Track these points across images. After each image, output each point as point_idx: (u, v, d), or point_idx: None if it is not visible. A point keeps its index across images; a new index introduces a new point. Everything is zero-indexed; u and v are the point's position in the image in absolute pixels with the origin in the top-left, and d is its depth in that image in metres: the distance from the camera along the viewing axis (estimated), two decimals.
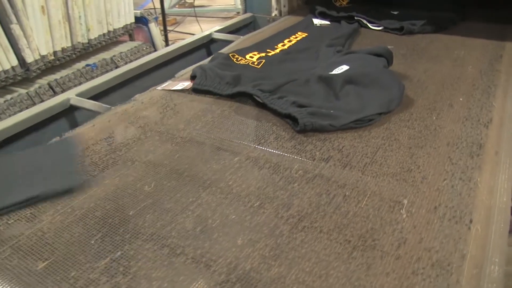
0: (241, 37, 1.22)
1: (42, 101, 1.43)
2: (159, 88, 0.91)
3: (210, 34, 1.29)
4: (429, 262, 0.46)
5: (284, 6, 1.43)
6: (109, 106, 0.83)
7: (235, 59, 0.98)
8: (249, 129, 0.73)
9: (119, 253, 0.49)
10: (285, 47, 1.07)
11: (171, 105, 0.83)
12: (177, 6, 3.55)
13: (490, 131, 0.72)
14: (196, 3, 3.48)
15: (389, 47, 1.07)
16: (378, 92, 0.79)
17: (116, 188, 0.60)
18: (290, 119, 0.74)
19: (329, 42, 1.05)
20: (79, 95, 0.92)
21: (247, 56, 1.00)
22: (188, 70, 0.97)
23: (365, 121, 0.73)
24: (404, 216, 0.53)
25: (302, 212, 0.54)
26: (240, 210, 0.55)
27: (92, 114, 0.83)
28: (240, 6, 3.84)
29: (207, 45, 1.30)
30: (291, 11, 1.46)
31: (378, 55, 0.91)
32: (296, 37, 1.14)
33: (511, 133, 0.72)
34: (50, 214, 0.55)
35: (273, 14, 1.44)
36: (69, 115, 0.92)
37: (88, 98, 0.92)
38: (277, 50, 1.05)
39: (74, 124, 0.91)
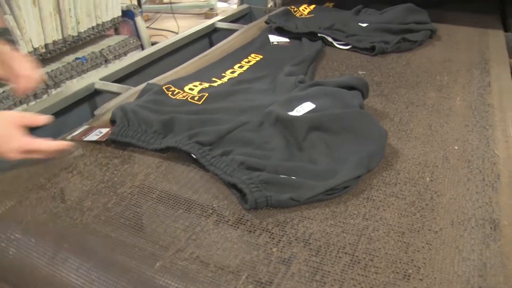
0: (245, 26, 1.22)
1: (35, 94, 1.51)
2: (68, 137, 0.68)
3: (213, 24, 1.29)
4: None
5: None
6: (132, 88, 0.84)
7: (170, 93, 0.77)
8: (180, 209, 0.52)
9: None
10: (235, 74, 0.87)
11: (79, 166, 0.61)
12: (147, 2, 3.43)
13: (501, 195, 0.55)
14: (165, 0, 3.32)
15: (360, 72, 0.89)
16: (354, 144, 0.60)
17: None
18: (236, 190, 0.54)
19: (289, 69, 0.85)
20: (103, 79, 0.93)
21: (186, 88, 0.79)
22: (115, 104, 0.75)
23: (339, 189, 0.54)
24: None
25: None
26: None
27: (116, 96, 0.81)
28: (212, 3, 3.74)
29: (209, 34, 1.30)
30: (286, 3, 1.43)
31: (350, 87, 0.73)
32: (249, 61, 0.94)
33: None
34: None
35: (269, 5, 1.45)
36: (92, 99, 0.92)
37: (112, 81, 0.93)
38: (225, 79, 0.85)
39: (95, 108, 0.83)
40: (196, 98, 0.76)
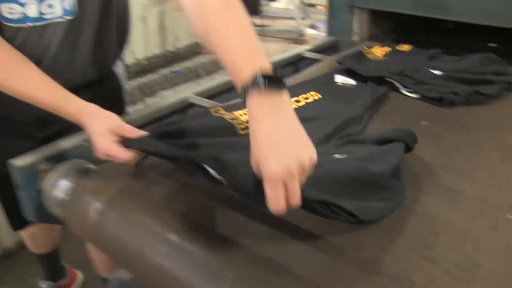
0: (329, 57, 1.26)
1: (134, 100, 1.73)
2: None
3: (300, 53, 1.34)
4: None
5: (364, 32, 1.48)
6: (220, 104, 0.87)
7: (214, 111, 0.79)
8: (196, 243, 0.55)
9: None
10: None
11: (140, 182, 0.65)
12: None
13: None
14: (258, 22, 3.47)
15: (423, 123, 0.87)
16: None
17: None
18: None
19: (344, 114, 0.85)
20: (197, 94, 1.01)
21: (236, 113, 0.80)
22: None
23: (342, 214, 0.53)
24: None
25: None
26: None
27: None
28: (302, 29, 3.73)
29: (296, 62, 1.35)
30: (371, 37, 1.50)
31: (393, 141, 0.71)
32: (307, 98, 0.94)
33: None
34: None
35: (354, 39, 1.48)
36: (184, 112, 1.00)
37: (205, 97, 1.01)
38: None
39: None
40: (242, 126, 0.76)
